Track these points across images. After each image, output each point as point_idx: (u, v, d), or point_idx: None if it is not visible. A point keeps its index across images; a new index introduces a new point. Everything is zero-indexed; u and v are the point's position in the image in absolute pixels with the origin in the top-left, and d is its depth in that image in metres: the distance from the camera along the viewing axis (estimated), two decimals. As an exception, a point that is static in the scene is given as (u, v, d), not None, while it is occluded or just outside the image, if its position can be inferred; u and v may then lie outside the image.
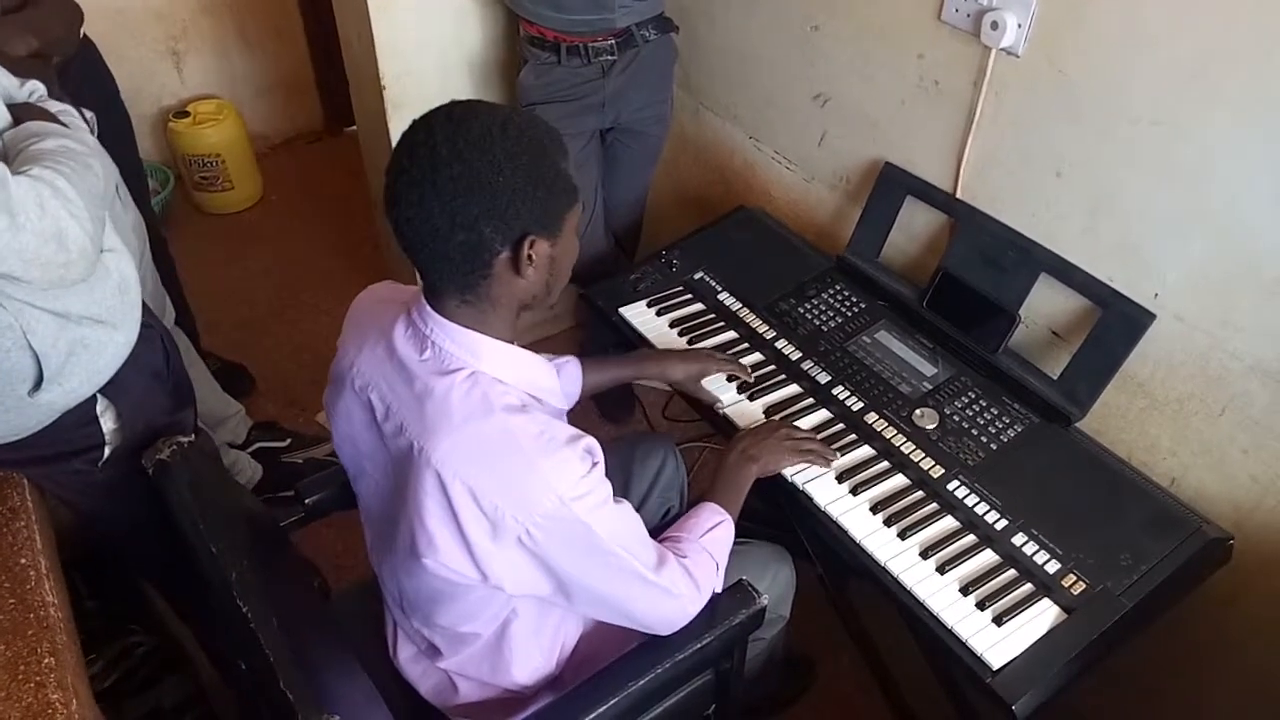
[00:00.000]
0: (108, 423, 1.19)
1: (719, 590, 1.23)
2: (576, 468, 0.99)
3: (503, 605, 1.12)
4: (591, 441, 1.04)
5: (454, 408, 1.00)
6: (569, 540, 1.01)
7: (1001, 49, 1.43)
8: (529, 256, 0.98)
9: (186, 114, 3.08)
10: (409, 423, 1.02)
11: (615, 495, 1.55)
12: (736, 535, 1.49)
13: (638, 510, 1.57)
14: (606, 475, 1.57)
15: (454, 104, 0.97)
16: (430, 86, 2.13)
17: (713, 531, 1.25)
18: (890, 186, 1.70)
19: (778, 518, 1.61)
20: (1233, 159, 1.22)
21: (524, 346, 1.11)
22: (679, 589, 1.13)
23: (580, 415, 2.58)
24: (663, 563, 1.12)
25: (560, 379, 1.46)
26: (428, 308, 1.04)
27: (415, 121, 0.97)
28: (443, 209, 0.94)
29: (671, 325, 1.70)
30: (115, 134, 1.96)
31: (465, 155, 0.92)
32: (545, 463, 0.98)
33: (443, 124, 0.94)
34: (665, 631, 1.17)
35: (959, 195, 1.61)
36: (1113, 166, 1.36)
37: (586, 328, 2.60)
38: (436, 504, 0.99)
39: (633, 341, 1.71)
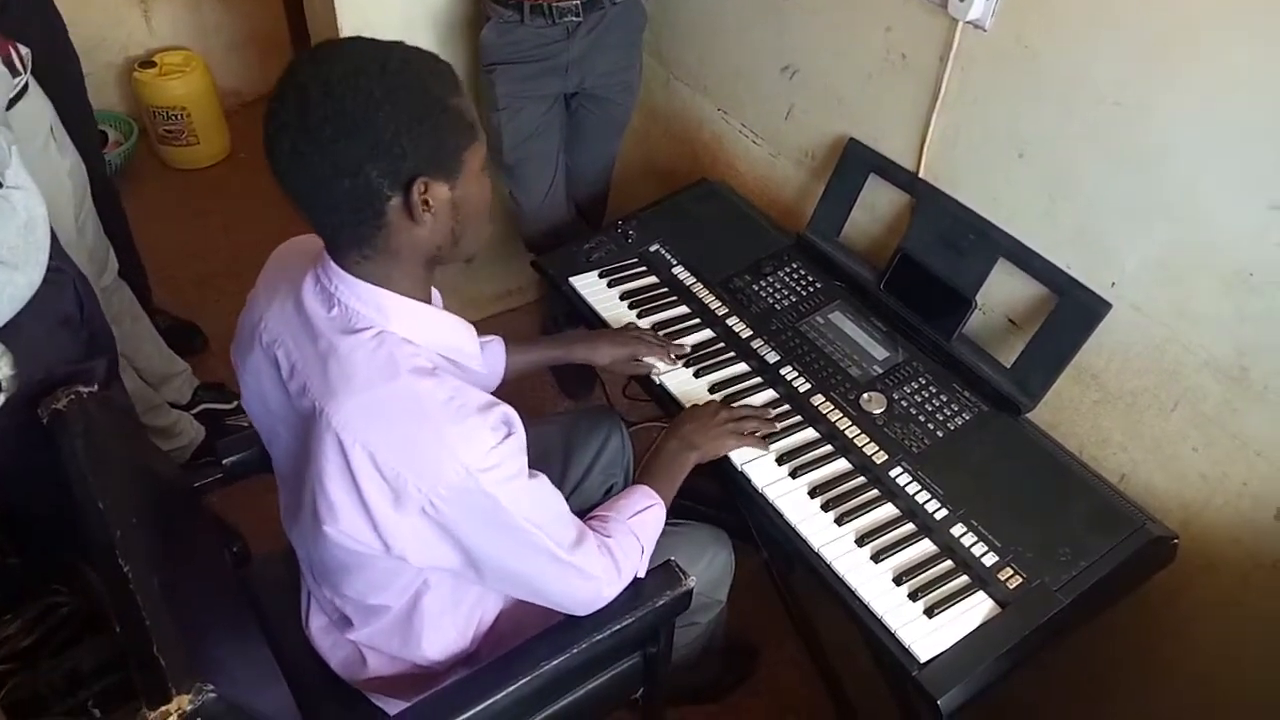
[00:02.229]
0: (3, 369, 1.13)
1: (642, 575, 1.18)
2: (486, 438, 0.94)
3: (413, 577, 1.07)
4: (507, 411, 0.98)
5: (357, 368, 0.94)
6: (475, 513, 0.96)
7: (969, 21, 1.38)
8: (425, 202, 0.92)
9: (153, 64, 3.00)
10: (312, 383, 0.97)
11: (554, 471, 1.53)
12: (676, 516, 1.46)
13: (578, 485, 1.55)
14: (547, 449, 1.54)
15: (322, 43, 0.91)
16: (392, 43, 2.06)
17: (642, 514, 1.20)
18: (853, 163, 1.65)
19: (727, 500, 1.57)
20: (1193, 144, 1.18)
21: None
22: (594, 570, 1.09)
23: (539, 390, 2.54)
24: (580, 542, 1.07)
25: (484, 359, 1.41)
26: (332, 263, 0.98)
27: (288, 64, 0.91)
28: (321, 155, 0.87)
29: (622, 298, 1.65)
30: (59, 77, 1.89)
31: (336, 92, 0.86)
32: (453, 430, 0.93)
33: (308, 63, 0.88)
34: (581, 612, 1.13)
35: (922, 174, 1.56)
36: (1075, 148, 1.32)
37: (551, 301, 2.55)
38: (337, 469, 0.94)
39: (583, 313, 1.66)
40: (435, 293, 1.12)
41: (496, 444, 0.94)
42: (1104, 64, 1.24)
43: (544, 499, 1.03)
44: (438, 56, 0.95)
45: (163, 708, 0.81)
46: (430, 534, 0.96)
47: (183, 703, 0.82)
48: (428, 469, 0.92)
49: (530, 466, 1.12)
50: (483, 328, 2.54)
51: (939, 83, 1.47)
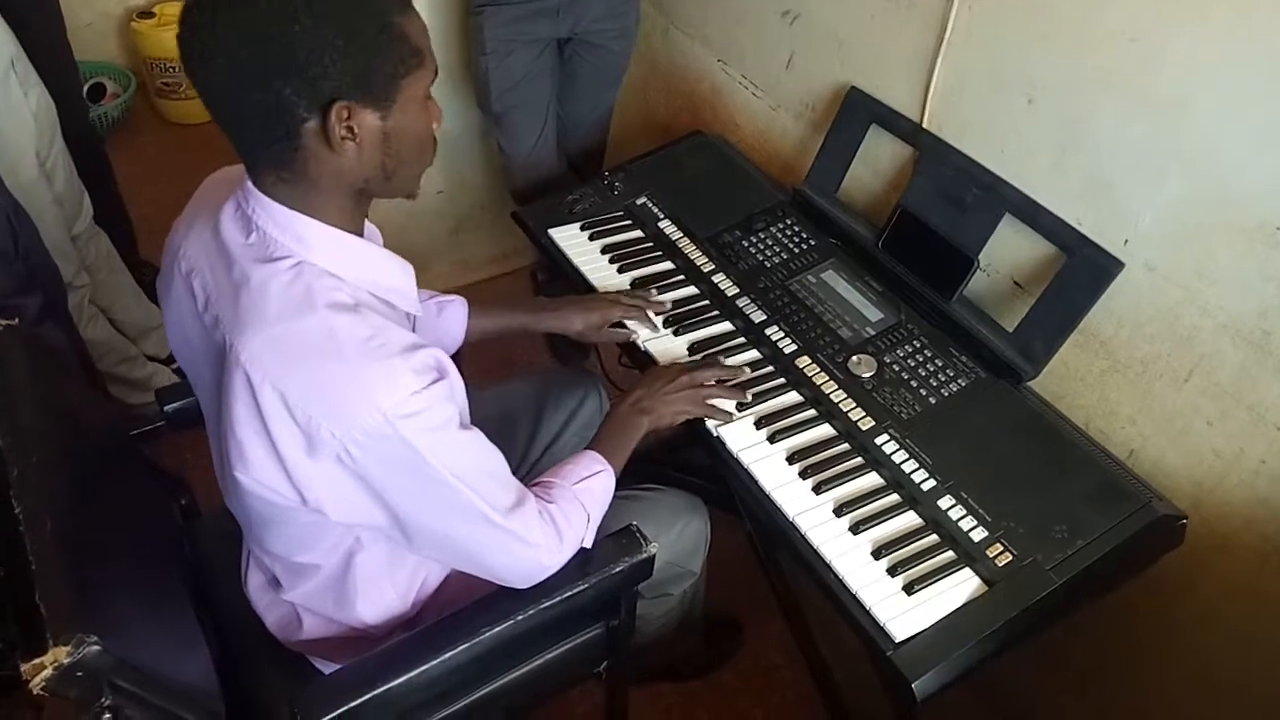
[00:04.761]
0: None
1: (588, 545, 1.09)
2: (408, 381, 0.85)
3: (342, 535, 0.99)
4: (436, 354, 0.89)
5: (270, 300, 0.86)
6: (394, 464, 0.87)
7: (977, -47, 1.27)
8: (348, 129, 0.83)
9: (151, 15, 2.93)
10: (224, 315, 0.89)
11: (523, 429, 1.45)
12: (656, 481, 1.37)
13: (550, 446, 1.47)
14: (516, 407, 1.46)
15: None
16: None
17: (589, 480, 1.11)
18: (854, 113, 1.54)
19: (713, 468, 1.48)
20: (1215, 85, 1.07)
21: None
22: (534, 537, 0.99)
23: (531, 354, 2.45)
24: (519, 506, 0.98)
25: (441, 320, 1.32)
26: (251, 185, 0.90)
27: None
28: (229, 59, 0.79)
29: (604, 251, 1.56)
30: (34, 14, 1.82)
31: None
32: (369, 371, 0.84)
33: None
34: (520, 584, 1.04)
35: (925, 125, 1.46)
36: (1087, 92, 1.21)
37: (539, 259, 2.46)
38: (246, 409, 0.86)
39: (562, 267, 1.57)
40: (374, 229, 1.03)
41: (420, 389, 0.85)
42: (1121, -5, 1.13)
43: (477, 455, 0.94)
44: None
45: (37, 659, 0.74)
46: (348, 485, 0.88)
47: (59, 655, 0.74)
48: (342, 413, 0.83)
49: (497, 423, 1.04)
50: (475, 291, 2.46)
51: (944, 23, 1.36)
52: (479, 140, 2.25)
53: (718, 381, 1.29)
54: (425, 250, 2.34)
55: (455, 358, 1.38)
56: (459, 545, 0.97)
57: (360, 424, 0.83)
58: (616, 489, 1.16)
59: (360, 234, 0.95)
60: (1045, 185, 1.30)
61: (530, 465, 1.45)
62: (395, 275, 0.97)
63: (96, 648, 0.76)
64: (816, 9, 1.61)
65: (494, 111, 1.86)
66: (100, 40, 3.02)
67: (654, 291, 1.46)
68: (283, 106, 0.81)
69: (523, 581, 1.03)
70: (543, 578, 1.04)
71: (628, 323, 1.42)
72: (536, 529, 1.00)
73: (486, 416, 1.05)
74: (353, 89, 0.82)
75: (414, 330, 1.22)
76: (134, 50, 2.99)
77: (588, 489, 1.10)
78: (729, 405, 1.28)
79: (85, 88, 2.78)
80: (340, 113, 0.82)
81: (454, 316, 1.33)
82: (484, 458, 0.95)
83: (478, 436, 0.95)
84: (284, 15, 0.77)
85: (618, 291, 1.47)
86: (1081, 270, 1.25)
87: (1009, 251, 1.38)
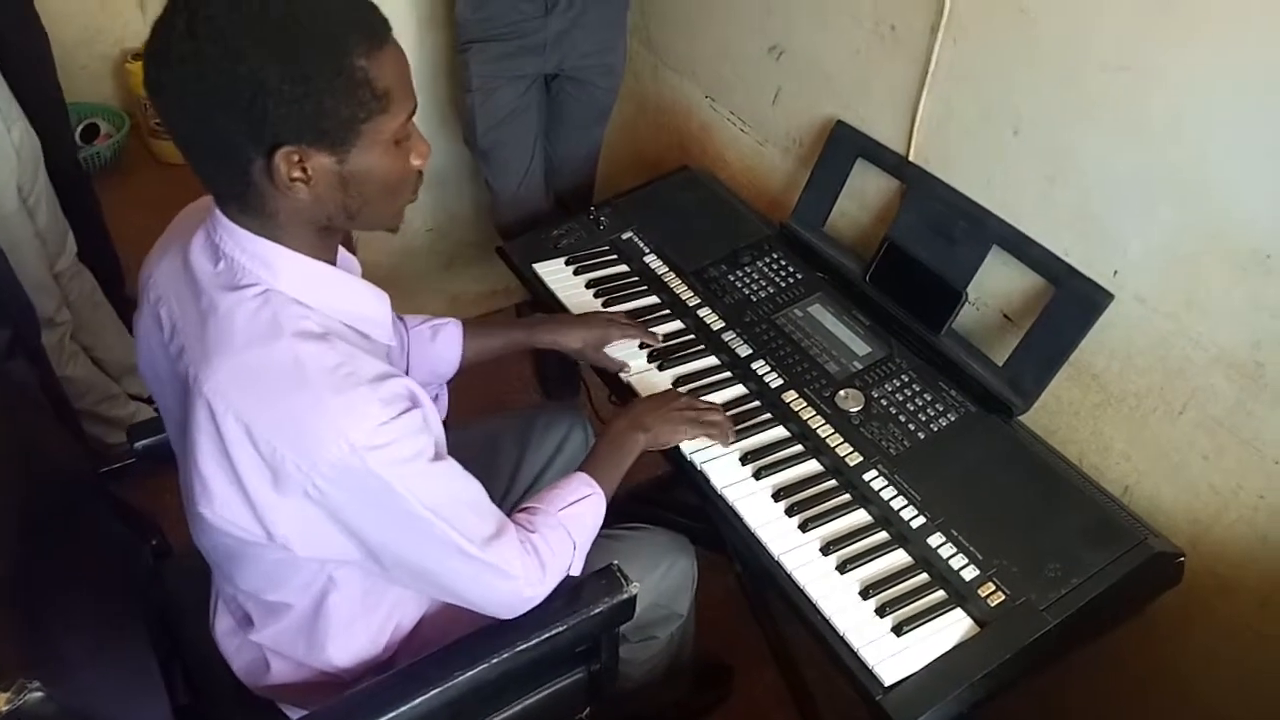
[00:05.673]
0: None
1: (575, 573, 1.06)
2: (375, 412, 0.82)
3: (315, 574, 0.96)
4: (406, 384, 0.87)
5: (236, 329, 0.84)
6: (364, 497, 0.84)
7: (959, -14, 1.27)
8: (301, 169, 0.81)
9: (145, 56, 2.94)
10: (189, 345, 0.87)
11: (506, 465, 1.42)
12: (634, 520, 1.34)
13: (534, 482, 1.43)
14: (500, 443, 1.43)
15: None
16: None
17: (576, 506, 1.08)
18: (840, 147, 1.53)
19: (702, 509, 1.45)
20: (1205, 110, 1.05)
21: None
22: (514, 569, 0.96)
23: (521, 393, 2.43)
24: (498, 536, 0.95)
25: (435, 344, 1.30)
26: (219, 213, 0.88)
27: None
28: (177, 96, 0.78)
29: (588, 286, 1.54)
30: (20, 50, 1.82)
31: (199, 32, 0.75)
32: (335, 401, 0.81)
33: None
34: (502, 614, 1.01)
35: (911, 157, 1.44)
36: (1074, 122, 1.19)
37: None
38: (210, 442, 0.83)
39: (546, 302, 1.55)
40: (351, 259, 1.01)
41: (388, 420, 0.82)
42: (1108, 23, 1.11)
43: (451, 485, 0.91)
44: (364, 3, 0.83)
45: (-25, 707, 0.71)
46: (316, 520, 0.85)
47: (-1, 702, 0.71)
48: (308, 445, 0.81)
49: (481, 459, 1.01)
50: (464, 327, 2.41)
51: (929, 56, 1.35)
52: (468, 177, 2.25)
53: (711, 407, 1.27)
54: (417, 287, 2.32)
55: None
56: (435, 577, 0.94)
57: (327, 457, 0.81)
58: (599, 528, 1.13)
59: (332, 263, 0.92)
60: (1033, 217, 1.28)
61: (514, 502, 1.41)
62: (368, 303, 0.95)
63: (39, 694, 0.73)
64: (802, 45, 1.60)
65: (480, 148, 1.85)
66: (95, 83, 3.03)
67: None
68: (229, 145, 0.79)
69: (505, 612, 1.01)
70: (526, 609, 1.01)
71: (619, 356, 1.40)
72: (516, 560, 0.97)
73: (470, 452, 1.02)
74: (303, 133, 0.79)
75: (406, 357, 1.20)
76: (128, 91, 3.00)
77: (574, 515, 1.07)
78: (726, 432, 1.26)
79: (79, 129, 2.80)
80: (288, 157, 0.79)
81: (449, 340, 1.30)
82: (459, 488, 0.93)
83: (452, 467, 0.92)
84: (230, 55, 0.75)
85: (627, 313, 1.46)
86: (1070, 302, 1.23)
87: (998, 284, 1.36)
